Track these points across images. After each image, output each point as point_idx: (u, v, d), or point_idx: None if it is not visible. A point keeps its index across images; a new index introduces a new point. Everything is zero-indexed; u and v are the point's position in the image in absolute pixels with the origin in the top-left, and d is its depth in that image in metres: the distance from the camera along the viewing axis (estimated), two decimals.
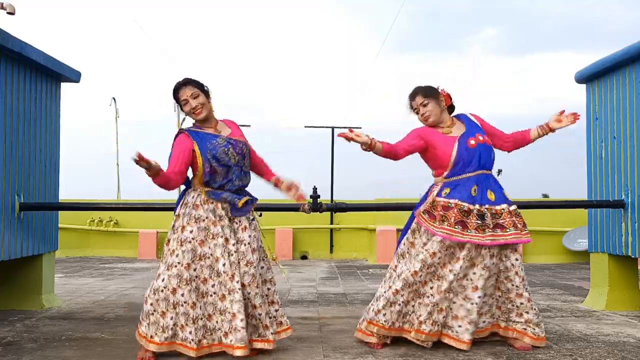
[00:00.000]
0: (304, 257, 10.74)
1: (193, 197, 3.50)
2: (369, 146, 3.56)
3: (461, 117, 3.88)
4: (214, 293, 3.38)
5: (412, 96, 3.85)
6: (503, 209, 3.65)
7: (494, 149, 3.85)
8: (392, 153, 3.70)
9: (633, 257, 4.83)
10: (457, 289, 3.62)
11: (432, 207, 3.70)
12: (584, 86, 5.59)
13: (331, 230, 10.82)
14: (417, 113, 3.84)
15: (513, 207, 3.69)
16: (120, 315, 4.83)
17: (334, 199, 10.92)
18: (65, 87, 5.60)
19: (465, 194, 3.64)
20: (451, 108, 3.91)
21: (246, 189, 3.65)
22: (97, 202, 10.00)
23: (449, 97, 3.87)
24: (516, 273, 3.71)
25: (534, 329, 3.68)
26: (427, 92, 3.81)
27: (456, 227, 3.56)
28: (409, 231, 3.82)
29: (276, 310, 3.61)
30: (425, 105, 3.79)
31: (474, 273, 3.60)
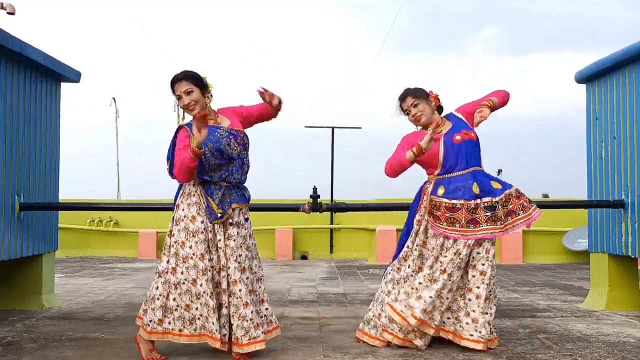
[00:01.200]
0: (304, 257, 10.74)
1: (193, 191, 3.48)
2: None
3: (449, 117, 3.88)
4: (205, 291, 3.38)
5: (403, 98, 3.85)
6: (511, 194, 3.69)
7: (480, 144, 3.82)
8: (400, 166, 3.74)
9: (633, 257, 4.83)
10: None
11: (433, 207, 3.70)
12: (584, 86, 5.59)
13: (331, 230, 10.82)
14: (408, 114, 3.84)
15: (514, 189, 3.72)
16: (120, 315, 4.83)
17: (334, 199, 10.91)
18: (65, 87, 5.60)
19: (464, 191, 3.64)
20: (440, 109, 3.91)
21: (245, 184, 3.61)
22: (97, 202, 9.99)
23: (437, 98, 3.87)
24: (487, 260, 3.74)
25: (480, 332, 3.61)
26: (417, 93, 3.81)
27: (468, 226, 3.62)
28: (412, 233, 3.80)
29: (266, 309, 3.60)
30: (416, 106, 3.79)
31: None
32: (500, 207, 3.64)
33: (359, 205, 5.22)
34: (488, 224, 3.61)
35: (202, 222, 3.39)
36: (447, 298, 3.65)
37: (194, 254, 3.36)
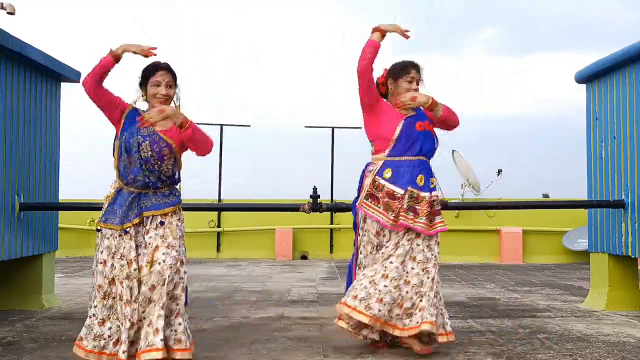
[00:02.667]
0: (304, 257, 10.74)
1: (111, 190, 3.38)
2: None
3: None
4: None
5: (416, 67, 3.74)
6: (424, 197, 3.59)
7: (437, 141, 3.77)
8: (370, 46, 3.62)
9: (633, 257, 4.83)
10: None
11: (375, 188, 3.62)
12: (584, 86, 5.59)
13: (331, 230, 10.82)
14: (409, 82, 3.71)
15: (435, 193, 3.62)
16: None
17: (334, 199, 10.91)
18: (65, 87, 5.60)
19: (408, 182, 3.57)
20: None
21: (166, 193, 3.34)
22: (97, 202, 9.96)
23: None
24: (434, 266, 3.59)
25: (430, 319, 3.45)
26: (422, 75, 3.77)
27: (398, 218, 3.53)
28: (361, 225, 3.70)
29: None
30: (418, 83, 3.73)
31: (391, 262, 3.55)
32: (426, 205, 3.57)
33: None
34: (415, 217, 3.54)
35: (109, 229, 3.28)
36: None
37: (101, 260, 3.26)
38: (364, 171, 3.78)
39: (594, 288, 5.37)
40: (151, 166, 3.26)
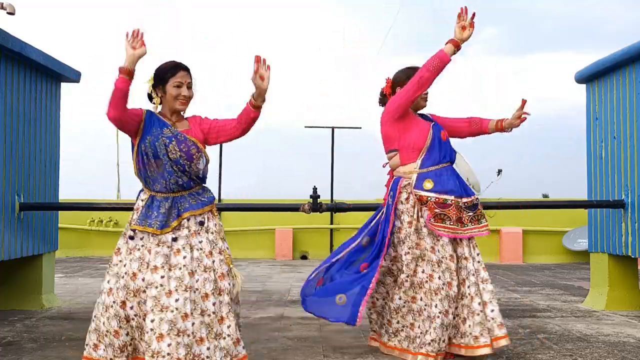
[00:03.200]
0: (304, 257, 10.74)
1: (142, 199, 3.17)
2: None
3: (428, 117, 3.78)
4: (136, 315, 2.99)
5: None
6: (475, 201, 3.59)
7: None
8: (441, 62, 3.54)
9: (633, 257, 4.84)
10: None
11: (419, 202, 3.48)
12: (584, 86, 5.59)
13: (331, 230, 10.82)
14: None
15: (476, 195, 3.65)
16: None
17: (334, 199, 10.91)
18: (65, 87, 5.60)
19: (455, 187, 3.52)
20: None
21: (199, 192, 3.21)
22: (97, 202, 9.98)
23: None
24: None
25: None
26: None
27: (456, 224, 3.44)
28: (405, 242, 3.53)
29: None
30: None
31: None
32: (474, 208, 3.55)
33: (359, 205, 5.22)
34: (472, 223, 3.48)
35: (142, 238, 3.07)
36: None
37: (126, 273, 3.03)
38: (395, 188, 3.58)
39: (594, 288, 5.37)
40: (182, 167, 3.10)
